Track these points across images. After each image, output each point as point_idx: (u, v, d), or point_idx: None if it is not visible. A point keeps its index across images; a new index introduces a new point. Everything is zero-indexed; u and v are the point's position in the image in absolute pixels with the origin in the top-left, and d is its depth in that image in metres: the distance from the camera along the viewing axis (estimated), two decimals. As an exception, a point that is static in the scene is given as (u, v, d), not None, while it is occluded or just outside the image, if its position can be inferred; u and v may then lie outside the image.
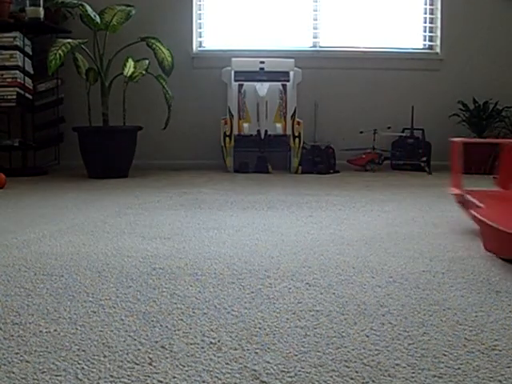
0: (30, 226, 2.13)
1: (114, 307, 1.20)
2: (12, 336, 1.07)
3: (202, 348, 1.02)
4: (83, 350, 1.01)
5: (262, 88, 4.13)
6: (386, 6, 4.58)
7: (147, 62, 3.98)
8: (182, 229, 2.10)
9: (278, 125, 4.16)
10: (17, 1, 4.01)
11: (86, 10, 3.73)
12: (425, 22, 4.61)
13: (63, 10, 4.19)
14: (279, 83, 4.17)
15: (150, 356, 0.99)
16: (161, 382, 0.90)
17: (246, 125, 4.14)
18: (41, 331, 1.09)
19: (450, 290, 1.36)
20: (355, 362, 0.97)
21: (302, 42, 4.61)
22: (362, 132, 4.31)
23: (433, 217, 2.36)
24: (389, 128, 4.35)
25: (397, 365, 0.95)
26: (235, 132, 4.15)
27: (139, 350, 1.02)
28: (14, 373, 0.91)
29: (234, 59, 4.18)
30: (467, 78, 4.47)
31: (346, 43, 4.58)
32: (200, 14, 4.60)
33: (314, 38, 4.60)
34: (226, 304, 1.26)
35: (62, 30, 4.14)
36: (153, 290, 1.36)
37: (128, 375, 0.92)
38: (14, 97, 3.79)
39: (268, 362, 0.96)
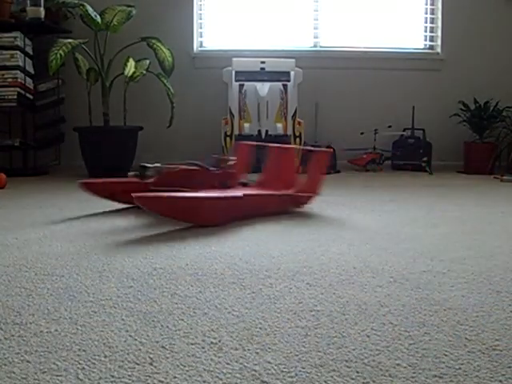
0: (31, 225, 2.14)
1: (115, 307, 1.20)
2: (13, 336, 1.07)
3: (203, 348, 1.02)
4: (84, 350, 1.01)
5: (263, 88, 4.12)
6: (387, 6, 4.58)
7: (148, 62, 3.98)
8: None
9: (279, 125, 4.15)
10: (18, 1, 4.00)
11: (87, 10, 3.73)
12: (425, 22, 4.60)
13: (64, 10, 4.19)
14: (280, 83, 4.16)
15: (151, 356, 0.99)
16: (162, 382, 0.90)
17: (246, 125, 4.14)
18: (41, 331, 1.09)
19: (450, 290, 1.36)
20: (356, 362, 0.97)
21: (302, 41, 4.60)
22: (362, 133, 4.31)
23: (433, 217, 2.36)
24: (389, 127, 4.34)
25: (397, 365, 0.95)
26: (236, 132, 4.14)
27: (140, 349, 1.02)
28: (14, 373, 0.91)
29: (234, 59, 4.17)
30: (468, 78, 4.47)
31: (347, 43, 4.58)
32: (201, 14, 4.59)
33: (315, 37, 4.60)
34: (227, 304, 1.26)
35: (63, 30, 4.14)
36: (153, 290, 1.36)
37: (129, 375, 0.92)
38: (15, 97, 3.79)
39: (269, 362, 0.96)
